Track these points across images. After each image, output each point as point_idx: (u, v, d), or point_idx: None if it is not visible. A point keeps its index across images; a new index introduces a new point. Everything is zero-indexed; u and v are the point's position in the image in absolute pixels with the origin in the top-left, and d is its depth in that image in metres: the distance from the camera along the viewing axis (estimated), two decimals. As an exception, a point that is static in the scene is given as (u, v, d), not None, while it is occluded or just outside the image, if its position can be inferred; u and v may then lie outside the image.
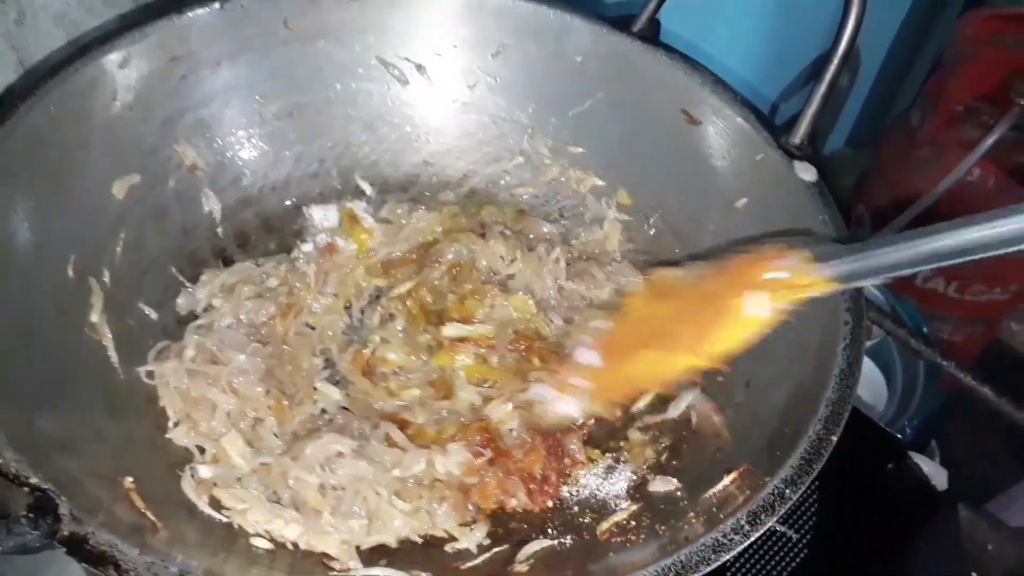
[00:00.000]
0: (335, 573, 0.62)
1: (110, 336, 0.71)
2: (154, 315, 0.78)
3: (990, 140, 1.37)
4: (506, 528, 0.70)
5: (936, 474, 0.86)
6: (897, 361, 1.42)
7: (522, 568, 0.64)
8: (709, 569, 0.54)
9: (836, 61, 0.76)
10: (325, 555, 0.64)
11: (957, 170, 1.42)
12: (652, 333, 0.66)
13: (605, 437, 0.78)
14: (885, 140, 1.72)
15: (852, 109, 1.76)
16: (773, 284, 0.58)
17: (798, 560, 0.79)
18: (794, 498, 0.57)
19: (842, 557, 0.81)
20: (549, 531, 0.69)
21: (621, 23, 0.89)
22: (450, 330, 0.80)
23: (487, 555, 0.67)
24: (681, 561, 0.54)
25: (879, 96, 1.79)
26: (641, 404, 0.79)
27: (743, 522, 0.56)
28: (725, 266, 0.63)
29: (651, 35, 0.89)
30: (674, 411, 0.78)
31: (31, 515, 0.49)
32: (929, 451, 1.22)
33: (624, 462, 0.75)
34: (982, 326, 1.70)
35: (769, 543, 0.80)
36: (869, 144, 1.80)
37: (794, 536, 0.80)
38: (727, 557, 0.54)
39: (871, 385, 1.31)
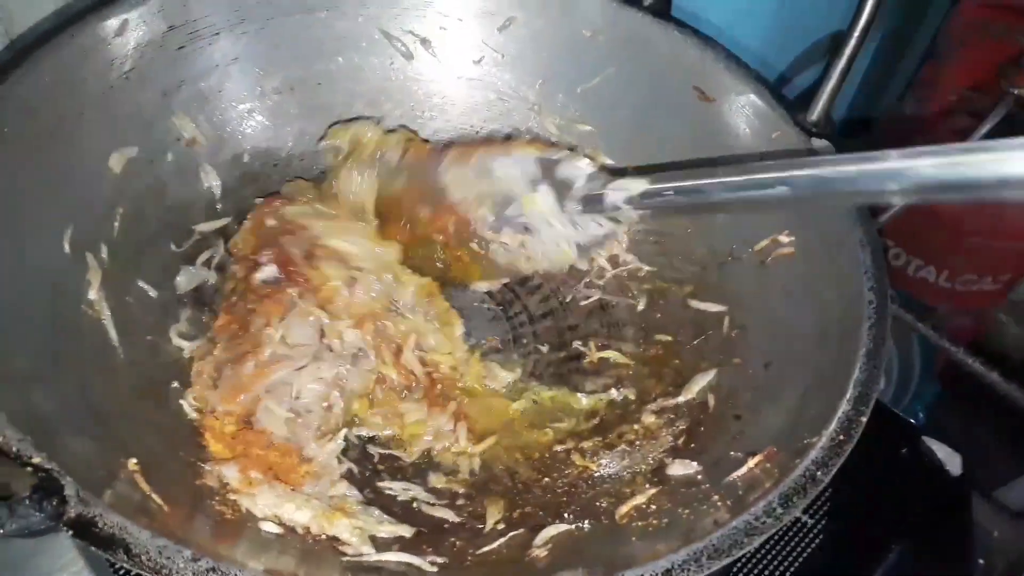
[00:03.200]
0: (348, 558, 0.60)
1: (109, 314, 0.69)
2: (153, 293, 0.75)
3: (983, 129, 1.37)
4: (521, 512, 0.68)
5: (950, 459, 0.85)
6: (892, 347, 1.42)
7: (540, 552, 0.62)
8: (741, 553, 0.52)
9: (856, 34, 0.74)
10: (337, 539, 0.61)
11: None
12: None
13: (618, 420, 0.77)
14: (878, 129, 1.71)
15: (844, 98, 1.75)
16: None
17: (813, 545, 0.78)
18: (826, 481, 0.55)
19: (856, 542, 0.80)
20: (566, 515, 0.67)
21: (632, -4, 0.87)
22: None
23: (503, 540, 0.64)
24: (714, 545, 0.52)
25: (871, 85, 1.79)
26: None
27: (775, 505, 0.54)
28: None
29: (662, 9, 0.87)
30: (687, 394, 0.76)
31: (35, 496, 0.46)
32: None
33: (639, 446, 0.73)
34: (970, 316, 1.70)
35: (783, 529, 0.79)
36: (861, 133, 1.79)
37: (809, 521, 0.79)
38: (759, 541, 0.53)
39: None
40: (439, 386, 0.78)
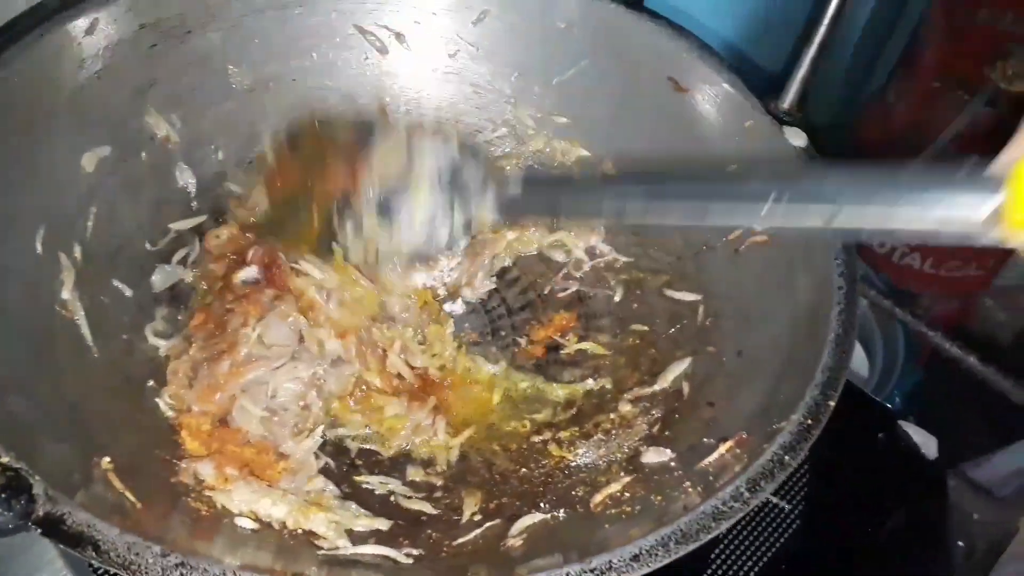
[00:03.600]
0: (324, 552, 0.60)
1: (83, 313, 0.69)
2: (128, 292, 0.75)
3: (965, 117, 1.38)
4: (498, 503, 0.68)
5: (926, 443, 0.86)
6: (877, 333, 1.42)
7: (515, 542, 0.63)
8: (709, 537, 0.53)
9: (826, 22, 0.75)
10: (313, 534, 0.62)
11: (933, 147, 1.42)
12: None
13: (594, 410, 0.77)
14: (862, 118, 1.72)
15: (826, 86, 1.75)
16: None
17: (791, 531, 0.79)
18: (794, 465, 0.56)
19: (834, 527, 0.81)
20: (542, 505, 0.67)
21: (605, -12, 0.87)
22: None
23: (479, 530, 0.65)
24: (681, 530, 0.52)
25: (853, 73, 1.79)
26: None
27: (743, 489, 0.55)
28: None
29: (635, 1, 0.88)
30: (662, 382, 0.77)
31: (3, 495, 0.46)
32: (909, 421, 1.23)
33: (615, 435, 0.73)
34: (956, 301, 1.71)
35: (761, 514, 0.80)
36: (843, 122, 1.79)
37: (786, 507, 0.80)
38: (727, 525, 0.53)
39: (853, 356, 1.31)
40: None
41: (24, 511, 0.47)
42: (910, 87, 1.54)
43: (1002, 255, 1.62)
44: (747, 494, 0.54)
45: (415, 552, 0.62)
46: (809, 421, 0.58)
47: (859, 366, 1.33)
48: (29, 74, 0.70)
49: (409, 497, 0.69)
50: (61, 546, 0.48)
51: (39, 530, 0.47)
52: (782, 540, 0.78)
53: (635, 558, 0.51)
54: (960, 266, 1.61)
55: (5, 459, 0.48)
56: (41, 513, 0.47)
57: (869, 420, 0.88)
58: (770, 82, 0.82)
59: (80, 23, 0.74)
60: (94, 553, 0.47)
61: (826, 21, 0.74)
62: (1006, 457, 1.14)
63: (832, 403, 0.59)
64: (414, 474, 0.72)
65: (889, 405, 0.91)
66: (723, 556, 0.77)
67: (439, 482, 0.72)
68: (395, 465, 0.73)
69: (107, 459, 0.58)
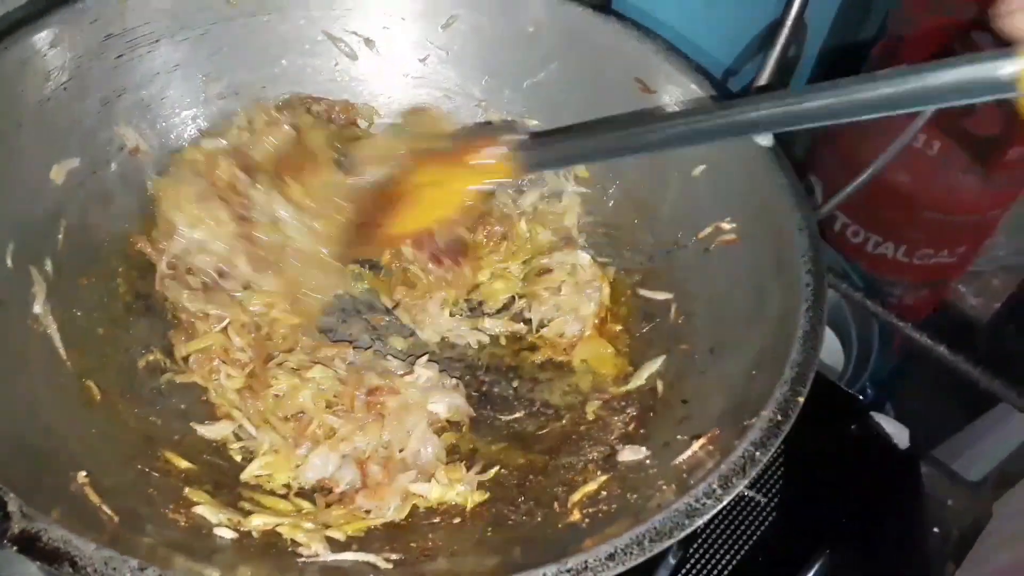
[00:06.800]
0: (304, 559, 0.61)
1: (55, 327, 0.68)
2: (101, 304, 0.75)
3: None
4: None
5: (898, 433, 0.87)
6: (851, 324, 1.44)
7: (494, 544, 0.64)
8: (683, 535, 0.53)
9: (788, 26, 0.76)
10: (293, 542, 0.62)
11: (902, 137, 1.43)
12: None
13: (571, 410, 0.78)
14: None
15: (800, 79, 1.77)
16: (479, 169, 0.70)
17: (767, 523, 0.80)
18: (764, 460, 0.57)
19: (810, 518, 0.82)
20: (520, 506, 0.68)
21: (573, -8, 0.88)
22: None
23: (458, 534, 0.66)
24: (655, 528, 0.53)
25: (826, 65, 1.80)
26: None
27: (715, 486, 0.55)
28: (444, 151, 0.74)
29: (603, 4, 0.88)
30: (637, 381, 0.78)
31: (-23, 514, 0.46)
32: (884, 411, 1.25)
33: (591, 434, 0.74)
34: (930, 288, 1.74)
35: (738, 508, 0.81)
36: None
37: (762, 500, 0.81)
38: (700, 522, 0.54)
39: (828, 348, 1.33)
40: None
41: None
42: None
43: (973, 243, 1.65)
44: (719, 491, 0.55)
45: (394, 557, 0.62)
46: (779, 417, 0.59)
47: (835, 360, 1.35)
48: (-7, 88, 0.70)
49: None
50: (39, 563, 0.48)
51: (15, 548, 0.47)
52: (759, 532, 0.80)
53: (610, 557, 0.52)
54: (932, 254, 1.63)
55: (-21, 477, 0.48)
56: (16, 530, 0.47)
57: (841, 412, 0.89)
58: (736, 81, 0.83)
59: (44, 36, 0.73)
60: (71, 569, 0.47)
61: (788, 24, 0.75)
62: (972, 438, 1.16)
63: (801, 399, 0.60)
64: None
65: (861, 397, 0.92)
66: (702, 549, 0.78)
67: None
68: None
69: (83, 473, 0.58)
